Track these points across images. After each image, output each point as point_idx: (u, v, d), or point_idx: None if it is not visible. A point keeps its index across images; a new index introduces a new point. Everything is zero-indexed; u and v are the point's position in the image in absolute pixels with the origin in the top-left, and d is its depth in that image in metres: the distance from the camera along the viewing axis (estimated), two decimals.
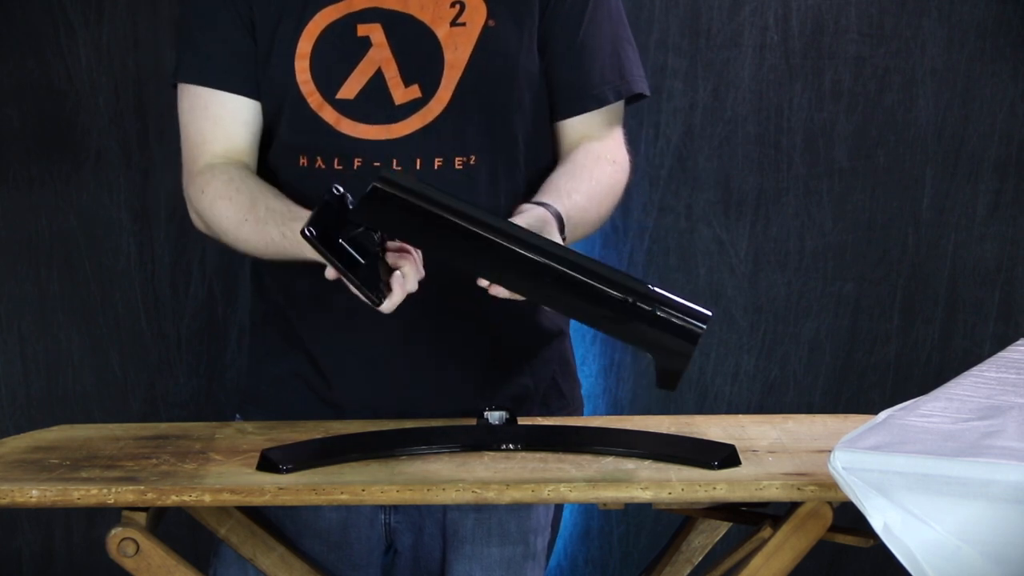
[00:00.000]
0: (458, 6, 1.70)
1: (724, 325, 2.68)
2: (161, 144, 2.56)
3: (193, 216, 1.80)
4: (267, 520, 1.70)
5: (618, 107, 1.80)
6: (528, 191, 1.74)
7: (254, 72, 1.74)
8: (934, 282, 2.68)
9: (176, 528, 2.43)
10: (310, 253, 1.53)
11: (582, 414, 1.89)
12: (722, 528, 1.71)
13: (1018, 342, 1.64)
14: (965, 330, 2.69)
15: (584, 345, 2.66)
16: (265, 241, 1.68)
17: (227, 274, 2.61)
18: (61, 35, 2.52)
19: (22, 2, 2.51)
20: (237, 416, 1.83)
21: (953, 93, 2.63)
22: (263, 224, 1.68)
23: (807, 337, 2.69)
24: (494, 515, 1.73)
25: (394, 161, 1.69)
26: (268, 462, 1.50)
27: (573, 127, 1.78)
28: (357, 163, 1.70)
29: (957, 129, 2.64)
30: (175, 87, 1.80)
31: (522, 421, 1.66)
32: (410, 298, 1.58)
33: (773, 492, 1.45)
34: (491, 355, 1.76)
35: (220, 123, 1.75)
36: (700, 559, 1.72)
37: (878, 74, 2.62)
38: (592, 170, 1.74)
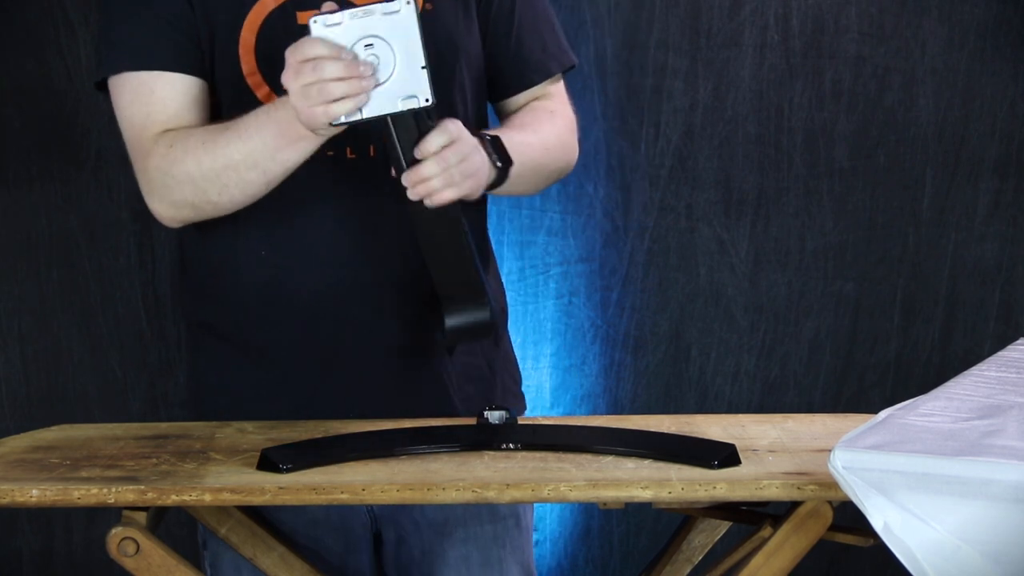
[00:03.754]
0: None
1: (724, 325, 2.68)
2: None
3: (154, 188, 1.66)
4: (267, 520, 1.70)
5: (558, 78, 1.83)
6: None
7: (198, 52, 1.67)
8: (934, 282, 2.68)
9: (176, 528, 2.43)
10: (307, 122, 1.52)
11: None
12: (722, 527, 1.71)
13: (1018, 341, 1.64)
14: (965, 330, 2.69)
15: (584, 345, 2.66)
16: (248, 133, 1.59)
17: None
18: (61, 35, 2.52)
19: (22, 2, 2.51)
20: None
21: (953, 93, 2.63)
22: (243, 120, 1.61)
23: (807, 337, 2.69)
24: None
25: (348, 150, 1.68)
26: (268, 462, 1.50)
27: (518, 102, 1.80)
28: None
29: (957, 129, 2.64)
30: (100, 87, 1.71)
31: (522, 421, 1.66)
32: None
33: (773, 491, 1.45)
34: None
35: (169, 104, 1.67)
36: (700, 558, 1.72)
37: (878, 74, 2.63)
38: (534, 119, 1.76)
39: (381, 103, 1.51)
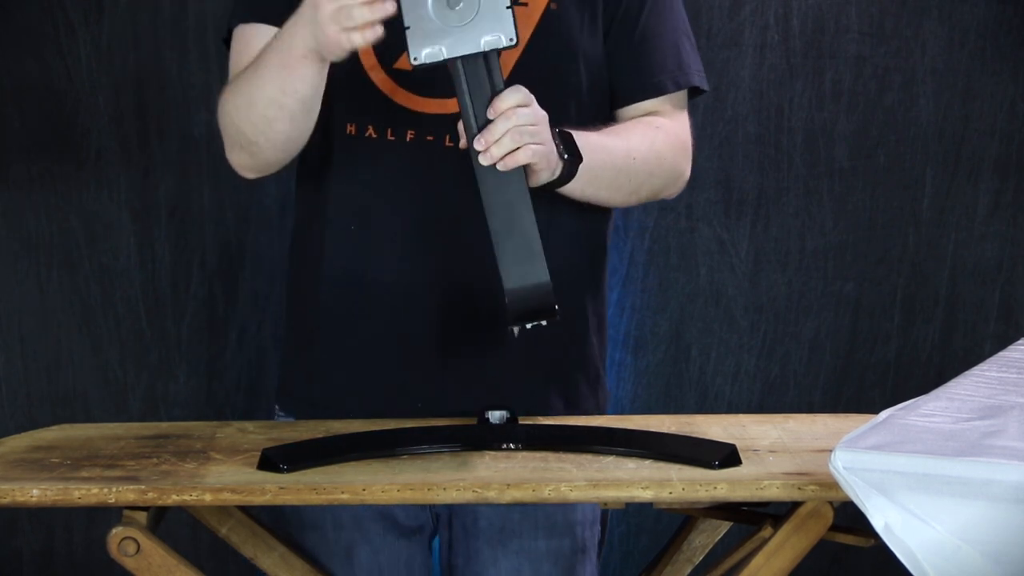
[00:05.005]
0: None
1: (724, 325, 2.68)
2: (161, 144, 2.56)
3: (222, 134, 1.70)
4: (267, 520, 1.70)
5: (678, 98, 1.79)
6: None
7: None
8: (934, 282, 2.68)
9: (177, 528, 2.43)
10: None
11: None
12: (723, 528, 1.71)
13: (1019, 341, 1.64)
14: (965, 330, 2.69)
15: None
16: (259, 70, 1.60)
17: (227, 274, 2.60)
18: (61, 35, 2.52)
19: (22, 2, 2.51)
20: (277, 409, 1.83)
21: (953, 93, 2.63)
22: (257, 57, 1.62)
23: (807, 337, 2.69)
24: (540, 507, 1.72)
25: (447, 137, 1.68)
26: (269, 461, 1.50)
27: (626, 115, 1.77)
28: (410, 135, 1.69)
29: (957, 129, 2.64)
30: (228, 45, 1.75)
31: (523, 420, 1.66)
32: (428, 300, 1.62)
33: (774, 492, 1.45)
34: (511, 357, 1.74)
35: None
36: (701, 559, 1.72)
37: (878, 74, 2.62)
38: (630, 127, 1.73)
39: (464, 43, 1.49)
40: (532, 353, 1.73)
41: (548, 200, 1.65)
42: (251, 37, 1.71)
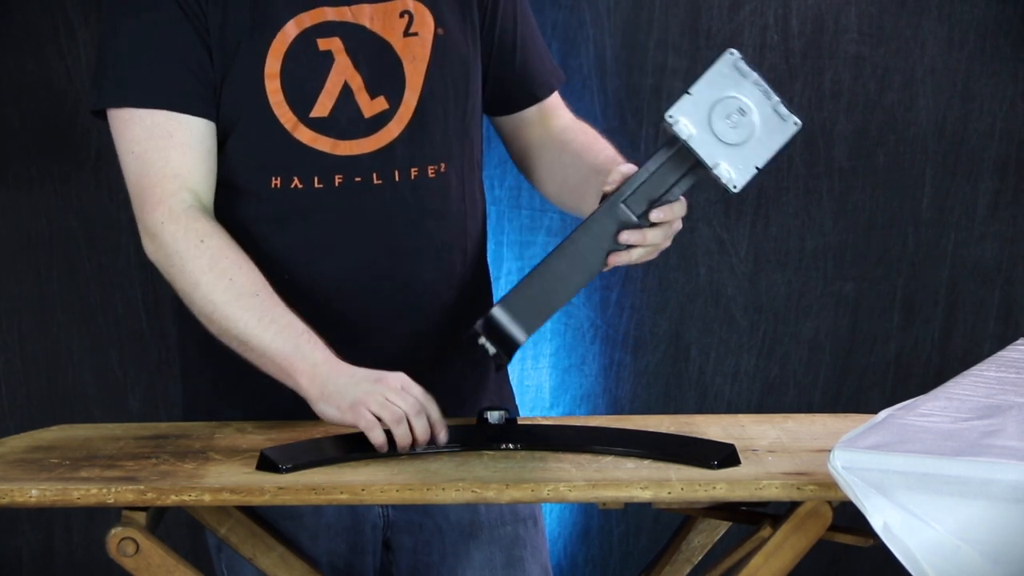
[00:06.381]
0: (406, 16, 1.69)
1: (724, 325, 2.68)
2: None
3: (155, 241, 1.65)
4: (267, 519, 1.70)
5: (558, 93, 1.88)
6: (479, 193, 1.80)
7: (213, 93, 1.66)
8: (934, 282, 2.68)
9: (176, 528, 2.43)
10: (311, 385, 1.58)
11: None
12: (722, 528, 1.71)
13: (1018, 341, 1.64)
14: (965, 330, 2.69)
15: (584, 345, 2.66)
16: (265, 329, 1.60)
17: None
18: (61, 35, 2.52)
19: (22, 2, 2.51)
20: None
21: (953, 93, 2.63)
22: (274, 312, 1.62)
23: (807, 337, 2.69)
24: None
25: (374, 175, 1.69)
26: (268, 462, 1.50)
27: (528, 116, 1.84)
28: (339, 180, 1.68)
29: (957, 129, 2.64)
30: (98, 113, 1.68)
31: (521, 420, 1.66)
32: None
33: (773, 491, 1.45)
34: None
35: (188, 151, 1.64)
36: (700, 558, 1.72)
37: (878, 74, 2.63)
38: (593, 139, 1.83)
39: (706, 150, 1.56)
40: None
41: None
42: (175, 129, 1.64)
